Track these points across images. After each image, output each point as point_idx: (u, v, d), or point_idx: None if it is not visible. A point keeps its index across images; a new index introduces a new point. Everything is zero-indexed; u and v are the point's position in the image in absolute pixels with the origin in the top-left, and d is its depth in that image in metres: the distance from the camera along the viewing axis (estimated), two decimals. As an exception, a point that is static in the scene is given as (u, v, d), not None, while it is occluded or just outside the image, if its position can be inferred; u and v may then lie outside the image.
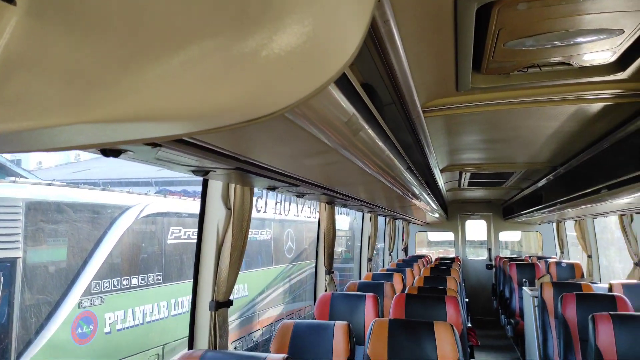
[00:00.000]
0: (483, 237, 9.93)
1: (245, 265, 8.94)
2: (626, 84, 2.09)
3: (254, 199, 2.33)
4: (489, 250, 9.66)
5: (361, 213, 5.86)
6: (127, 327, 5.88)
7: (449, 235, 10.19)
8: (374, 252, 6.14)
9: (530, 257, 8.40)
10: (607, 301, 3.38)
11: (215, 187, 2.18)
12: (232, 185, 2.18)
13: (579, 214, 5.16)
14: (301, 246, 11.12)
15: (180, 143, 1.14)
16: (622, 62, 1.89)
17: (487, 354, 6.77)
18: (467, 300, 7.44)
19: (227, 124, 0.80)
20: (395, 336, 2.44)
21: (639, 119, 2.44)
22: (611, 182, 2.96)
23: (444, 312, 3.16)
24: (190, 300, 2.22)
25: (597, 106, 2.40)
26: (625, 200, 3.14)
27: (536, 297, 4.53)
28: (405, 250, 9.40)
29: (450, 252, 10.45)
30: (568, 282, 4.57)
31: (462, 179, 5.52)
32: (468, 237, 10.10)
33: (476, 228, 10.08)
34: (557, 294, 3.98)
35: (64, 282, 5.18)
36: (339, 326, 2.50)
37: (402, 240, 9.17)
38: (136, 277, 6.11)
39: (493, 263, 9.38)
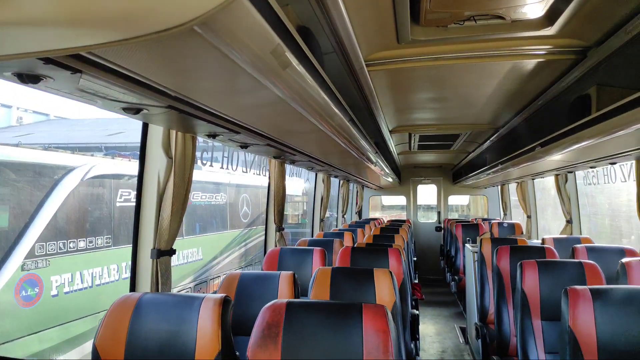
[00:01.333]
0: (434, 201, 10.30)
1: (200, 229, 8.89)
2: (555, 40, 2.20)
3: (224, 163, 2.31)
4: (439, 213, 10.05)
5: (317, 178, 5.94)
6: (76, 290, 5.77)
7: (401, 200, 10.50)
8: (327, 214, 6.26)
9: (476, 219, 8.82)
10: (537, 252, 3.63)
11: (156, 135, 2.14)
12: (173, 134, 2.15)
13: (520, 174, 5.44)
14: (257, 211, 11.14)
15: (104, 71, 1.11)
16: (551, 16, 1.98)
17: (432, 309, 7.15)
18: (415, 259, 7.78)
19: (135, 35, 0.79)
20: (337, 283, 2.53)
21: (567, 76, 2.58)
22: (543, 139, 3.13)
23: (387, 263, 3.29)
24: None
25: (530, 63, 2.51)
26: (557, 157, 3.34)
27: (476, 252, 4.80)
28: (359, 213, 9.62)
29: (403, 216, 10.79)
30: (505, 238, 4.86)
31: (412, 142, 5.67)
32: (420, 202, 10.45)
33: (427, 192, 10.43)
34: (494, 248, 4.23)
35: (4, 244, 4.99)
36: (285, 276, 2.56)
37: (356, 203, 9.36)
38: (84, 240, 5.96)
39: (442, 225, 9.79)
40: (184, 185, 2.21)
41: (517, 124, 3.92)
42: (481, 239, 4.68)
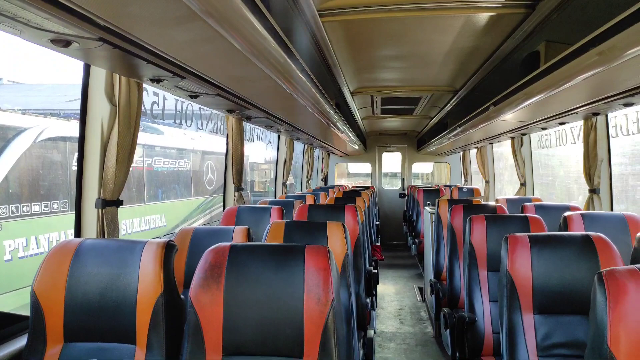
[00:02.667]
0: (399, 169, 10.46)
1: (163, 195, 8.75)
2: (505, -9, 2.21)
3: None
4: (403, 180, 10.23)
5: (285, 146, 5.88)
6: (31, 255, 5.62)
7: (367, 168, 10.60)
8: (292, 182, 6.26)
9: (438, 185, 9.03)
10: (489, 209, 3.76)
11: (98, 80, 2.06)
12: (117, 80, 2.07)
13: (479, 138, 5.56)
14: (223, 178, 11.02)
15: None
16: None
17: (394, 271, 7.36)
18: (378, 223, 7.94)
19: None
20: (290, 235, 2.55)
21: (518, 31, 2.62)
22: (496, 98, 3.20)
23: (342, 219, 3.34)
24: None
25: (483, 17, 2.53)
26: (509, 116, 3.42)
27: (434, 213, 4.93)
28: (325, 180, 9.67)
29: (368, 183, 10.93)
30: (461, 199, 5.00)
31: (375, 105, 5.68)
32: (385, 170, 10.59)
33: (392, 160, 10.57)
34: (450, 208, 4.35)
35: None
36: (239, 230, 2.56)
37: (322, 170, 9.40)
38: (38, 204, 5.76)
39: (405, 192, 9.98)
40: (130, 134, 2.14)
41: (474, 85, 3.98)
42: (439, 200, 4.80)
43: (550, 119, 3.43)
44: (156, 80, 1.95)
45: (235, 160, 3.78)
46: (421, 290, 6.01)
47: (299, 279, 1.49)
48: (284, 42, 1.98)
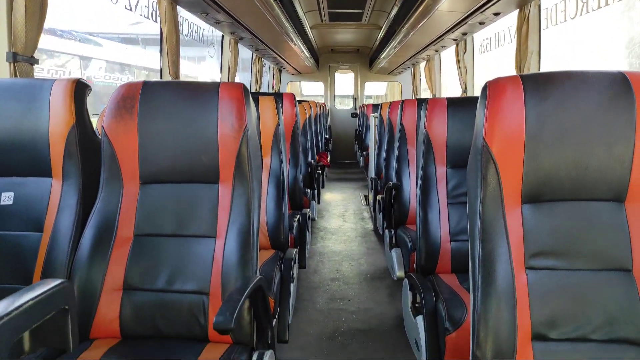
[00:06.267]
0: (351, 91, 10.45)
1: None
2: None
3: None
4: (355, 99, 10.26)
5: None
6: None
7: (321, 89, 10.52)
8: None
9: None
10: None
11: None
12: None
13: (424, 43, 5.56)
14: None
15: None
16: None
17: (342, 183, 7.59)
18: (327, 136, 8.04)
19: None
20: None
21: None
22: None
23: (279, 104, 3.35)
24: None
25: None
26: (444, 4, 3.43)
27: (376, 117, 5.04)
28: (276, 98, 9.55)
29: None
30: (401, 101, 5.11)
31: (322, 6, 5.53)
32: (338, 91, 10.55)
33: (345, 82, 10.52)
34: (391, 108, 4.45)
35: None
36: None
37: (273, 87, 9.25)
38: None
39: (357, 112, 10.06)
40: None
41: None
42: (381, 104, 4.89)
43: (484, 8, 3.47)
44: None
45: (171, 50, 3.64)
46: (367, 198, 6.27)
47: (212, 108, 1.52)
48: None
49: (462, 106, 2.22)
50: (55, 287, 0.99)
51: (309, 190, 3.96)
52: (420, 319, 1.77)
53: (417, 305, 1.97)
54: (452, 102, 2.24)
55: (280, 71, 9.36)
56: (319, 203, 5.02)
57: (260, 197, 1.58)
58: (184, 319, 1.42)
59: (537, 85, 1.20)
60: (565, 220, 1.20)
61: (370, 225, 4.85)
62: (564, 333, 1.15)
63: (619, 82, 1.19)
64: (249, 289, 1.22)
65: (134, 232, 1.50)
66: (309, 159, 4.20)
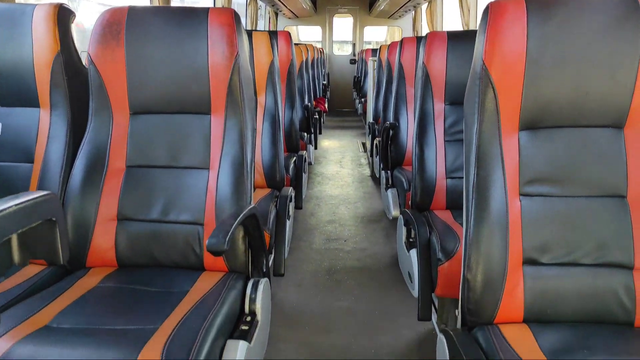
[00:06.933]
0: (350, 37, 10.13)
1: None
2: None
3: None
4: (354, 45, 9.98)
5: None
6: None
7: (319, 35, 10.19)
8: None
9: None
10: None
11: None
12: None
13: None
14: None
15: None
16: None
17: (340, 131, 7.53)
18: (325, 82, 7.89)
19: None
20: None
21: None
22: None
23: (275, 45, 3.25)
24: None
25: None
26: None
27: (375, 60, 4.91)
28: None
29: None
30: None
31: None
32: (336, 38, 10.23)
33: (344, 27, 10.18)
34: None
35: None
36: None
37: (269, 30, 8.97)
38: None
39: (356, 58, 9.82)
40: None
41: None
42: (380, 46, 4.74)
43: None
44: None
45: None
46: (364, 145, 6.23)
47: (202, 34, 1.45)
48: None
49: (462, 40, 2.15)
50: (41, 197, 0.98)
51: (305, 135, 3.92)
52: (413, 252, 1.80)
53: (411, 240, 1.99)
54: (452, 35, 2.16)
55: (276, 15, 9.04)
56: (315, 148, 4.99)
57: (255, 130, 1.55)
58: (180, 249, 1.43)
59: (540, 4, 1.14)
60: (562, 147, 1.18)
61: (367, 171, 4.85)
62: (555, 257, 1.16)
63: (627, 1, 1.13)
64: (242, 214, 1.22)
65: (126, 163, 1.48)
66: (306, 102, 4.13)
